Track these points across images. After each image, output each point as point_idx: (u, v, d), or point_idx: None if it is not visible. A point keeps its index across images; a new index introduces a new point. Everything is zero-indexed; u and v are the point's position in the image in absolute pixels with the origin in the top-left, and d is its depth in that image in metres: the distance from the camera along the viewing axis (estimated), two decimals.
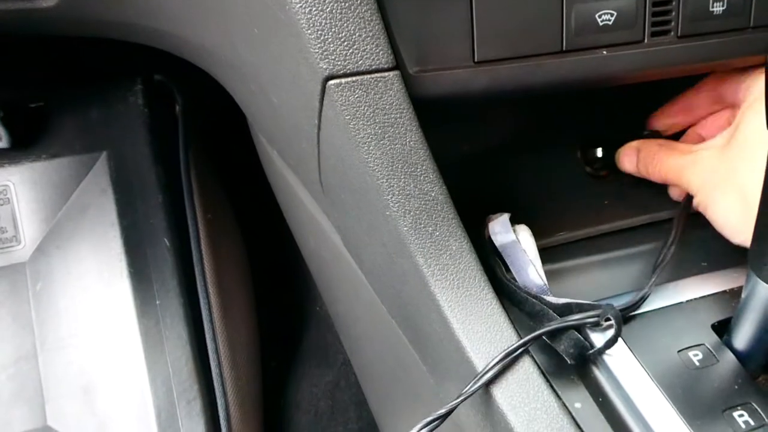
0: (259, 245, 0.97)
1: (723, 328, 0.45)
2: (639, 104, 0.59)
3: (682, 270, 0.51)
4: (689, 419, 0.40)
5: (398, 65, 0.40)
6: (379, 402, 0.82)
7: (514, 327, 0.44)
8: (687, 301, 0.47)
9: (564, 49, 0.43)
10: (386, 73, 0.40)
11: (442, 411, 0.39)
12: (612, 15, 0.44)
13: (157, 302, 0.78)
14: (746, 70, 0.51)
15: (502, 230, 0.49)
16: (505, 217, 0.49)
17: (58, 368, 0.76)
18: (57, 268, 0.79)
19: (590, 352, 0.42)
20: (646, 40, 0.45)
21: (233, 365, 0.79)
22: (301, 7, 0.38)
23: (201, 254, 0.81)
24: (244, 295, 0.90)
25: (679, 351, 0.43)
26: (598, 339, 0.42)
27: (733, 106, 0.52)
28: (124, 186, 0.81)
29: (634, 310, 0.45)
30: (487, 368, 0.40)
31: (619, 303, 0.45)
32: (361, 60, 0.39)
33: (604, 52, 0.45)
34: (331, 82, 0.39)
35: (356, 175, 0.43)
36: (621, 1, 0.44)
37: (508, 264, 0.48)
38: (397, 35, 0.40)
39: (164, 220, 0.80)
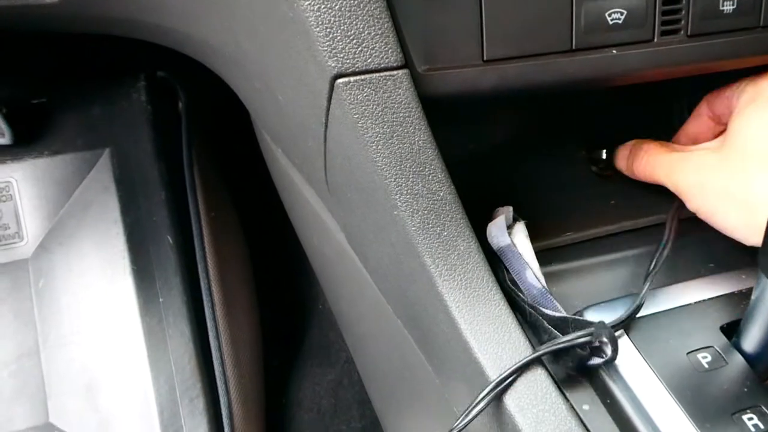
0: (261, 243, 0.97)
1: (732, 330, 0.44)
2: (645, 106, 0.59)
3: (689, 271, 0.50)
4: (698, 422, 0.39)
5: (407, 64, 0.40)
6: (383, 401, 0.81)
7: (522, 329, 0.43)
8: (696, 302, 0.47)
9: (573, 47, 0.43)
10: (395, 72, 0.39)
11: (461, 423, 0.39)
12: (622, 14, 0.43)
13: (160, 300, 0.77)
14: (735, 83, 0.50)
15: (498, 233, 0.48)
16: (501, 220, 0.48)
17: (61, 365, 0.76)
18: (59, 265, 0.79)
19: (589, 365, 0.42)
20: (655, 39, 0.45)
21: (236, 363, 0.79)
22: (309, 4, 0.37)
23: (204, 252, 0.81)
24: (246, 293, 0.90)
25: (687, 353, 0.43)
26: (605, 350, 0.42)
27: None
28: (127, 183, 0.81)
29: (628, 323, 0.45)
30: (501, 378, 0.40)
31: (616, 311, 0.44)
32: (369, 58, 0.38)
33: (614, 51, 0.44)
34: (340, 80, 0.39)
35: (364, 174, 0.43)
36: (631, 0, 0.43)
37: (507, 267, 0.48)
38: (406, 34, 0.39)
39: (167, 217, 0.80)
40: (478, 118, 0.55)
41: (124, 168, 0.81)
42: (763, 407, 0.40)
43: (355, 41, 0.38)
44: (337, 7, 0.37)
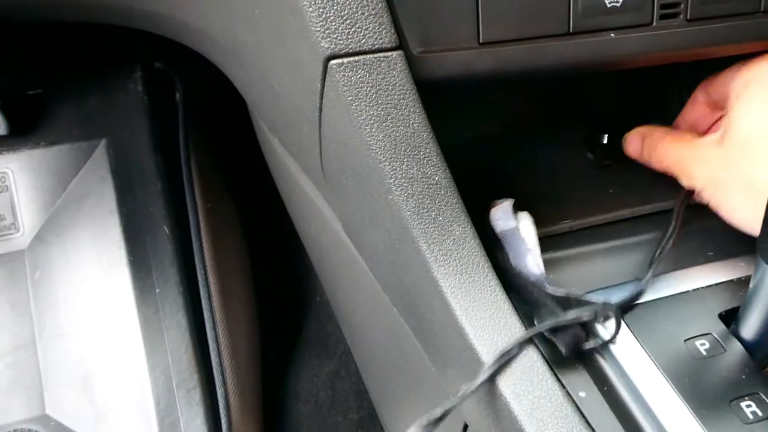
0: (259, 234, 0.96)
1: (730, 318, 0.44)
2: (644, 91, 0.58)
3: (688, 259, 0.50)
4: (696, 409, 0.39)
5: (401, 45, 0.39)
6: (380, 391, 0.81)
7: (518, 314, 0.43)
8: (694, 289, 0.46)
9: (571, 31, 0.42)
10: (389, 53, 0.39)
11: (448, 406, 0.39)
12: None
13: (157, 290, 0.77)
14: (732, 66, 0.50)
15: (503, 217, 0.48)
16: (507, 204, 0.48)
17: (57, 357, 0.76)
18: (56, 256, 0.78)
19: (586, 348, 0.41)
20: (654, 23, 0.44)
21: (233, 354, 0.79)
22: None
23: (201, 243, 0.81)
24: (243, 284, 0.89)
25: (685, 340, 0.43)
26: (602, 333, 0.42)
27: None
28: (124, 174, 0.81)
29: (631, 304, 0.44)
30: (492, 363, 0.40)
31: (618, 295, 0.44)
32: (363, 39, 0.38)
33: (612, 35, 0.44)
34: (333, 62, 0.38)
35: (358, 158, 0.42)
36: None
37: (507, 251, 0.47)
38: (400, 14, 0.39)
39: (164, 208, 0.80)
40: (475, 105, 0.54)
41: (120, 159, 0.81)
42: (761, 394, 0.39)
43: (348, 21, 0.38)
44: None
